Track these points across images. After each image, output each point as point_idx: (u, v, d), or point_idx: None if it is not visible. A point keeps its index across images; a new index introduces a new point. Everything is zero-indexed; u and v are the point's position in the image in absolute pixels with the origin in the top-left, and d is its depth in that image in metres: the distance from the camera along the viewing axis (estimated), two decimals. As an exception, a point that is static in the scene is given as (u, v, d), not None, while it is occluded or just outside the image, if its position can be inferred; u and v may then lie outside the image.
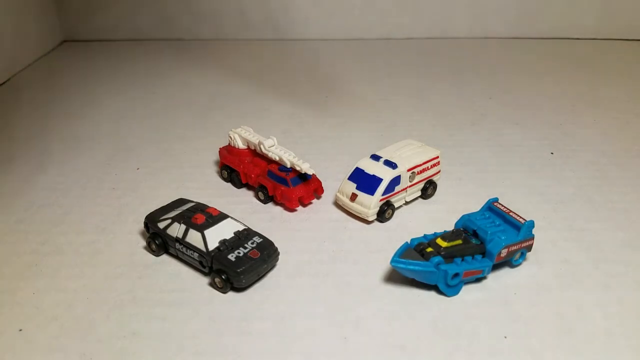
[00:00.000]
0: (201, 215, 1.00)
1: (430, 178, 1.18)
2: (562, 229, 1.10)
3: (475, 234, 0.97)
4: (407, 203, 1.18)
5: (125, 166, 1.34)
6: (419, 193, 1.19)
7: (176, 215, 1.02)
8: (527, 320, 0.88)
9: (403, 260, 0.90)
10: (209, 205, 1.06)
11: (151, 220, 1.04)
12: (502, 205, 1.01)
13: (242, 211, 1.15)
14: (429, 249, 0.93)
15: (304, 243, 1.06)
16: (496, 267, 0.97)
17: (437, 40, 2.24)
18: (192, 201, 1.08)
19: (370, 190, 1.09)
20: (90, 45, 2.23)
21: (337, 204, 1.17)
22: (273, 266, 0.99)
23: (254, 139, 1.22)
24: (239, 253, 0.95)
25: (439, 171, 1.20)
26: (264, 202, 1.19)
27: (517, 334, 0.86)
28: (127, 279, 0.98)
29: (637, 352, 0.83)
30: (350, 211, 1.13)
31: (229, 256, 0.94)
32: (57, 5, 2.19)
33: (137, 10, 2.21)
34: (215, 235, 0.97)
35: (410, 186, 1.15)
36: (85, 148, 1.43)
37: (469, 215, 1.01)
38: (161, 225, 1.02)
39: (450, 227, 1.02)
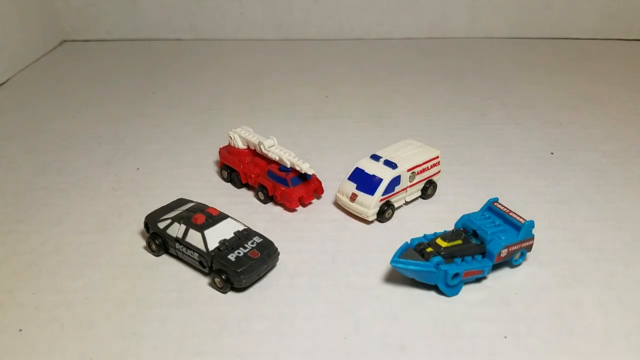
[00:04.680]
0: (201, 215, 1.00)
1: (430, 178, 1.18)
2: (562, 229, 1.10)
3: (475, 234, 0.97)
4: (407, 203, 1.18)
5: (125, 166, 1.34)
6: (419, 193, 1.19)
7: (176, 215, 1.02)
8: (527, 320, 0.88)
9: (403, 260, 0.90)
10: (209, 205, 1.06)
11: (151, 220, 1.04)
12: (502, 205, 1.01)
13: (242, 211, 1.15)
14: (429, 249, 0.93)
15: (304, 243, 1.06)
16: (496, 267, 0.97)
17: (437, 40, 2.24)
18: (192, 201, 1.08)
19: (370, 190, 1.09)
20: (90, 45, 2.23)
21: (337, 204, 1.17)
22: (273, 266, 0.99)
23: (254, 139, 1.22)
24: (239, 253, 0.95)
25: (439, 171, 1.20)
26: (264, 202, 1.19)
27: (517, 334, 0.86)
28: (127, 279, 0.98)
29: (637, 352, 0.83)
30: (350, 211, 1.13)
31: (229, 256, 0.94)
32: (57, 5, 2.19)
33: (137, 10, 2.21)
34: (215, 235, 0.97)
35: (410, 186, 1.15)
36: (85, 148, 1.43)
37: (469, 215, 1.00)
38: (161, 225, 1.02)
39: (450, 227, 1.02)
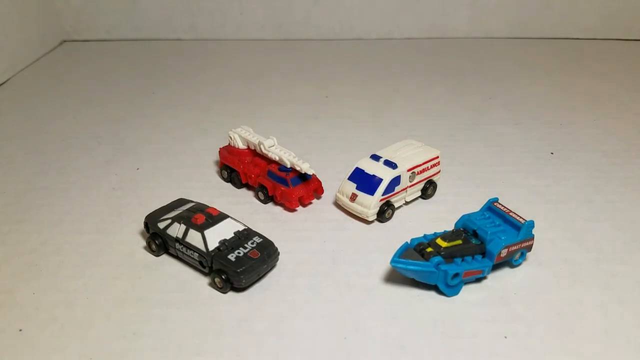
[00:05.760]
0: (201, 215, 1.00)
1: (430, 178, 1.18)
2: (562, 229, 1.10)
3: (475, 234, 0.97)
4: (407, 203, 1.18)
5: (125, 166, 1.34)
6: (419, 193, 1.19)
7: (176, 215, 1.02)
8: (527, 320, 0.88)
9: (403, 260, 0.90)
10: (209, 205, 1.06)
11: (151, 220, 1.04)
12: (502, 205, 1.01)
13: (242, 211, 1.15)
14: (429, 249, 0.93)
15: (304, 243, 1.06)
16: (496, 267, 0.97)
17: (437, 40, 2.24)
18: (192, 201, 1.08)
19: (370, 190, 1.09)
20: (90, 45, 2.23)
21: (337, 204, 1.17)
22: (273, 266, 0.99)
23: (254, 139, 1.22)
24: (239, 253, 0.95)
25: (439, 171, 1.20)
26: (264, 202, 1.19)
27: (517, 334, 0.86)
28: (127, 279, 0.98)
29: (637, 352, 0.83)
30: (350, 211, 1.13)
31: (229, 256, 0.94)
32: (57, 5, 2.19)
33: (137, 10, 2.21)
34: (215, 235, 0.97)
35: (410, 186, 1.15)
36: (85, 148, 1.43)
37: (469, 215, 1.00)
38: (161, 225, 1.02)
39: (450, 227, 1.02)
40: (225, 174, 1.27)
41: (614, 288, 0.95)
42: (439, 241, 0.95)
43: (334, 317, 0.89)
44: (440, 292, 0.93)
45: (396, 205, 1.14)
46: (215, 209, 1.03)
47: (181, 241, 0.98)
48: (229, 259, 0.93)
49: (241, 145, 1.25)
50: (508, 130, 1.51)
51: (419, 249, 0.94)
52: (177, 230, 0.99)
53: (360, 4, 2.20)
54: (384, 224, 1.12)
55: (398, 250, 0.92)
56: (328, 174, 1.25)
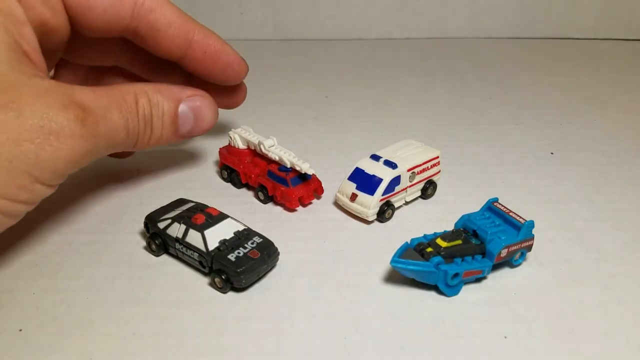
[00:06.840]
0: (201, 215, 1.00)
1: (430, 178, 1.18)
2: (562, 229, 1.10)
3: (475, 234, 0.97)
4: (407, 203, 1.18)
5: (126, 166, 1.34)
6: (419, 193, 1.19)
7: (176, 215, 1.02)
8: (527, 320, 0.88)
9: (403, 260, 0.90)
10: (209, 205, 1.06)
11: (151, 220, 1.04)
12: (502, 205, 1.01)
13: (242, 211, 1.15)
14: (429, 249, 0.93)
15: (304, 243, 1.06)
16: (496, 267, 0.97)
17: (437, 40, 2.24)
18: (192, 201, 1.08)
19: (370, 190, 1.09)
20: (90, 45, 2.23)
21: (337, 204, 1.17)
22: (273, 266, 0.99)
23: (254, 139, 1.22)
24: (239, 253, 0.95)
25: (439, 171, 1.20)
26: (264, 202, 1.19)
27: (517, 334, 0.86)
28: (127, 279, 0.98)
29: (637, 352, 0.83)
30: (350, 211, 1.13)
31: (229, 256, 0.94)
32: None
33: (137, 10, 2.21)
34: (215, 235, 0.97)
35: (410, 186, 1.15)
36: (85, 148, 1.42)
37: (469, 215, 1.00)
38: (161, 225, 1.02)
39: (450, 227, 1.02)
40: (225, 174, 1.27)
41: (614, 288, 0.95)
42: (439, 241, 0.95)
43: (334, 317, 0.89)
44: (440, 292, 0.93)
45: (396, 205, 1.14)
46: (215, 209, 1.03)
47: (181, 241, 0.98)
48: (229, 259, 0.93)
49: (241, 145, 1.25)
50: (508, 130, 1.51)
51: (419, 249, 0.94)
52: (177, 230, 0.99)
53: (360, 4, 2.20)
54: (384, 224, 1.12)
55: (398, 250, 0.92)
56: (328, 174, 1.24)
